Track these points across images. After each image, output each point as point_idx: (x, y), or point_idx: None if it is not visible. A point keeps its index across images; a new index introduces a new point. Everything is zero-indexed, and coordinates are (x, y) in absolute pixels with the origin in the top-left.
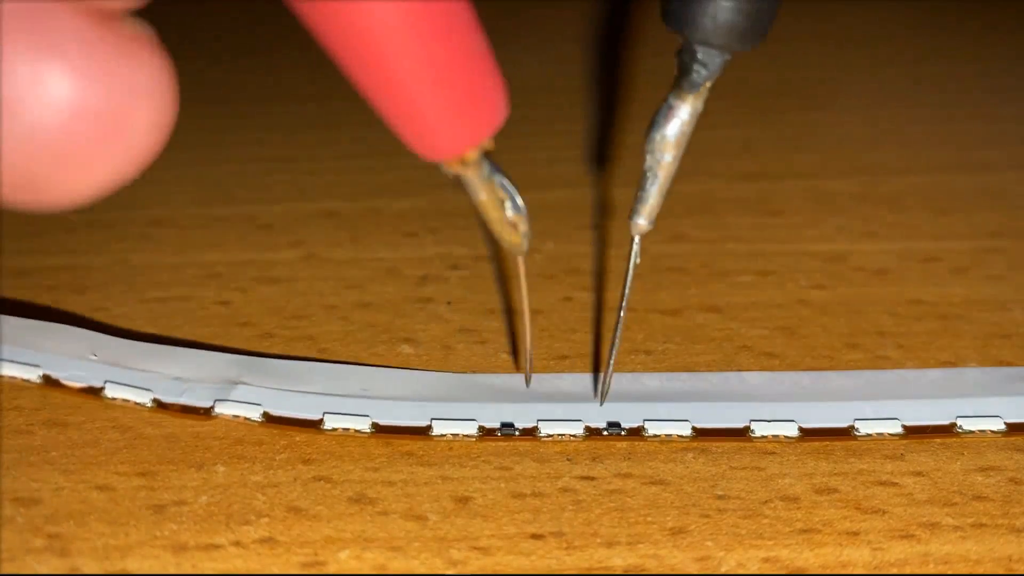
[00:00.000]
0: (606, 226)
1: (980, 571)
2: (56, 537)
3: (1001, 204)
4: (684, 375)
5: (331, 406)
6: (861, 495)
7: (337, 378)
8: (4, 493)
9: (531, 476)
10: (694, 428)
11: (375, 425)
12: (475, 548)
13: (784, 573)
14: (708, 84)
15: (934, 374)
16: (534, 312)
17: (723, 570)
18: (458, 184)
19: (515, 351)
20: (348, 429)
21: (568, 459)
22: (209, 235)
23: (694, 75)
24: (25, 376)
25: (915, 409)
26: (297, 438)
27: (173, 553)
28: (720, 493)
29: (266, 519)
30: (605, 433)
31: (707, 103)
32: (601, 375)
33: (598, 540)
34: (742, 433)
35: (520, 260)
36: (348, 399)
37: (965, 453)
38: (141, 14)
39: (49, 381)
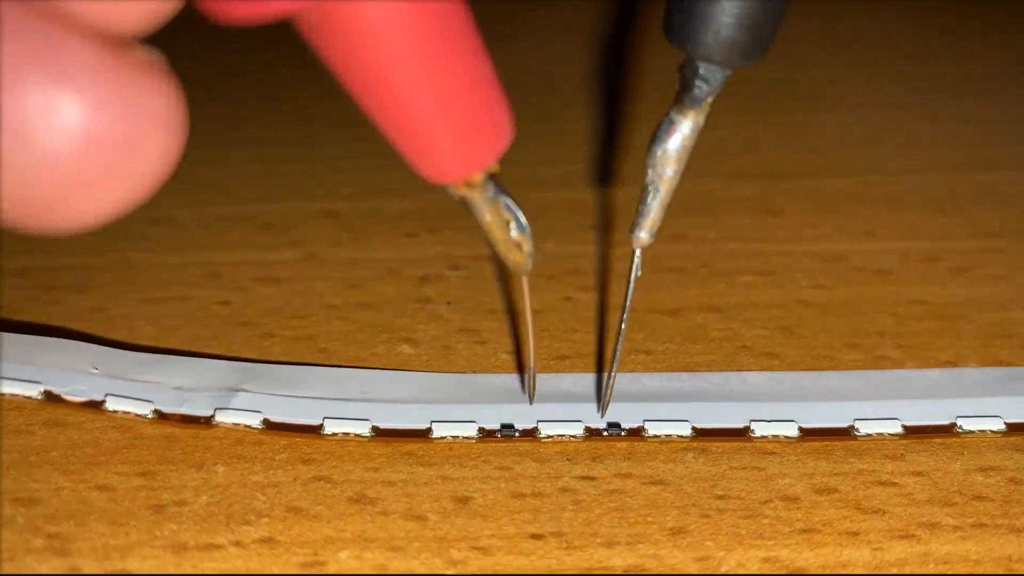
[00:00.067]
0: (607, 226)
1: (980, 571)
2: (56, 537)
3: (1001, 204)
4: (684, 375)
5: (331, 411)
6: (861, 495)
7: (336, 382)
8: (4, 493)
9: (531, 476)
10: (694, 428)
11: (375, 428)
12: (475, 548)
13: (784, 573)
14: (710, 99)
15: (934, 374)
16: (534, 312)
17: (723, 570)
18: (463, 205)
19: (516, 351)
20: (348, 434)
21: (568, 459)
22: (209, 235)
23: (696, 91)
24: (26, 393)
25: (915, 409)
26: (297, 438)
27: (173, 553)
28: (720, 493)
29: (266, 519)
30: (605, 433)
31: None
32: (603, 387)
33: (598, 540)
34: (742, 433)
35: (524, 280)
36: (348, 403)
37: (965, 453)
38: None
39: (50, 397)
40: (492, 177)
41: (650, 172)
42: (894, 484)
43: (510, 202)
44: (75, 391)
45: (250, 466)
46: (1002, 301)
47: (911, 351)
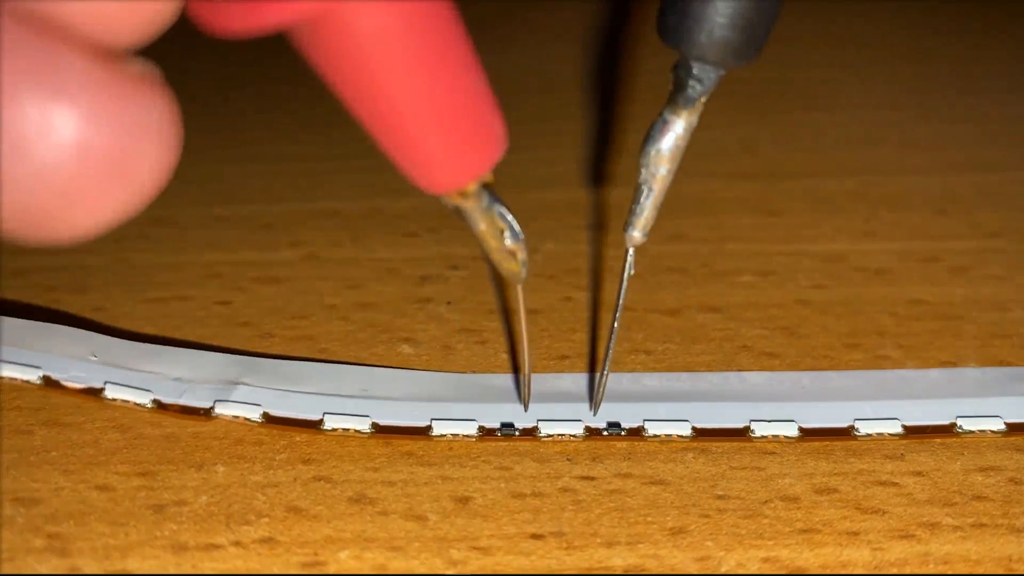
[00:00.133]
0: (605, 225)
1: (980, 571)
2: (56, 537)
3: (1001, 204)
4: (684, 375)
5: (331, 406)
6: (861, 495)
7: (337, 378)
8: (4, 493)
9: (531, 476)
10: (694, 428)
11: (375, 425)
12: (475, 548)
13: (784, 573)
14: (703, 99)
15: (934, 374)
16: (533, 312)
17: (723, 570)
18: (457, 214)
19: (514, 353)
20: (348, 429)
21: (568, 459)
22: (209, 235)
23: (689, 90)
24: (25, 377)
25: (915, 409)
26: (297, 438)
27: (173, 553)
28: (720, 493)
29: (266, 519)
30: (605, 433)
31: (707, 102)
32: (595, 386)
33: (598, 540)
34: (742, 433)
35: (519, 289)
36: (348, 399)
37: (965, 453)
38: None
39: (49, 382)
40: (486, 186)
41: (643, 171)
42: (894, 484)
43: (504, 211)
44: (74, 377)
45: (250, 466)
46: (1002, 301)
47: (911, 351)
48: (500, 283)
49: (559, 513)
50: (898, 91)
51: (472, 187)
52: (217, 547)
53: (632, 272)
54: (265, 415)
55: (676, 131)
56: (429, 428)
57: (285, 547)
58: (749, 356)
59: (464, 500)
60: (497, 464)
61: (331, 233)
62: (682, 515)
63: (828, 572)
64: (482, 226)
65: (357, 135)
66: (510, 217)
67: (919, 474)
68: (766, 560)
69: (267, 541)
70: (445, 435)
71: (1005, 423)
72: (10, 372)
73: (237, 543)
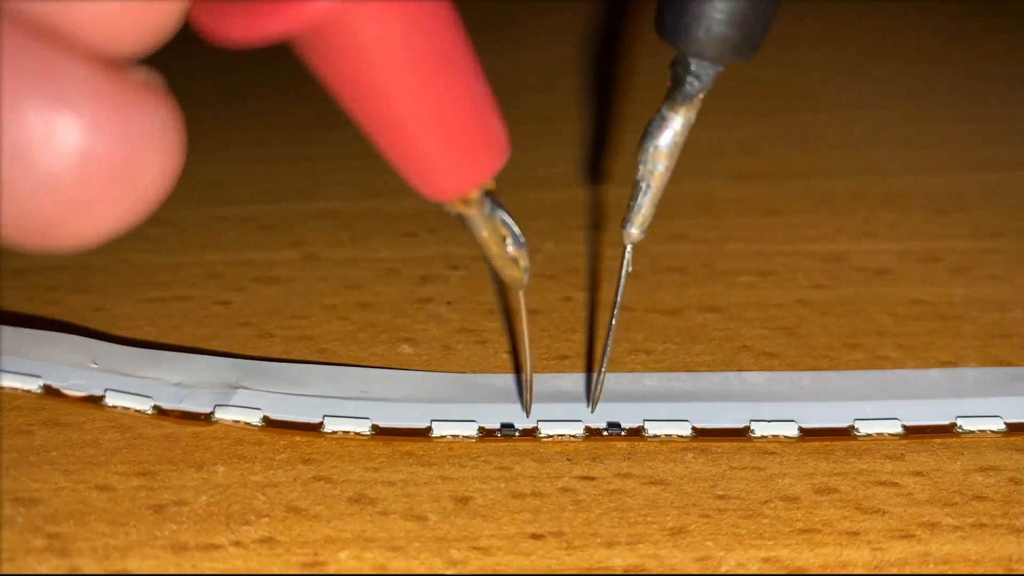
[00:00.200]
0: (605, 225)
1: (980, 571)
2: (56, 537)
3: (1001, 204)
4: (684, 375)
5: (331, 409)
6: (861, 495)
7: (337, 380)
8: (4, 493)
9: (531, 476)
10: (694, 428)
11: (375, 427)
12: (475, 548)
13: (784, 573)
14: (701, 95)
15: (934, 374)
16: (533, 312)
17: (723, 570)
18: (460, 221)
19: (515, 352)
20: (348, 432)
21: (568, 459)
22: (209, 235)
23: (687, 87)
24: (26, 387)
25: (915, 409)
26: (297, 438)
27: (173, 553)
28: (720, 493)
29: (266, 519)
30: (605, 433)
31: (707, 102)
32: (592, 384)
33: (598, 540)
34: (742, 433)
35: (521, 295)
36: (348, 401)
37: (965, 453)
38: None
39: (50, 391)
40: (488, 193)
41: (641, 168)
42: (894, 484)
43: (506, 218)
44: (74, 386)
45: (250, 466)
46: (1002, 301)
47: (911, 351)
48: (500, 283)
49: (559, 513)
50: (898, 91)
51: (474, 194)
52: (217, 547)
53: (630, 269)
54: (265, 419)
55: (674, 127)
56: (429, 430)
57: (285, 547)
58: (749, 356)
59: (464, 500)
60: (497, 464)
61: (331, 233)
62: (682, 515)
63: (828, 572)
64: (484, 233)
65: (357, 135)
66: (512, 224)
67: (919, 474)
68: (766, 560)
69: (267, 541)
70: (445, 436)
71: (1005, 423)
72: (10, 382)
73: (237, 543)
